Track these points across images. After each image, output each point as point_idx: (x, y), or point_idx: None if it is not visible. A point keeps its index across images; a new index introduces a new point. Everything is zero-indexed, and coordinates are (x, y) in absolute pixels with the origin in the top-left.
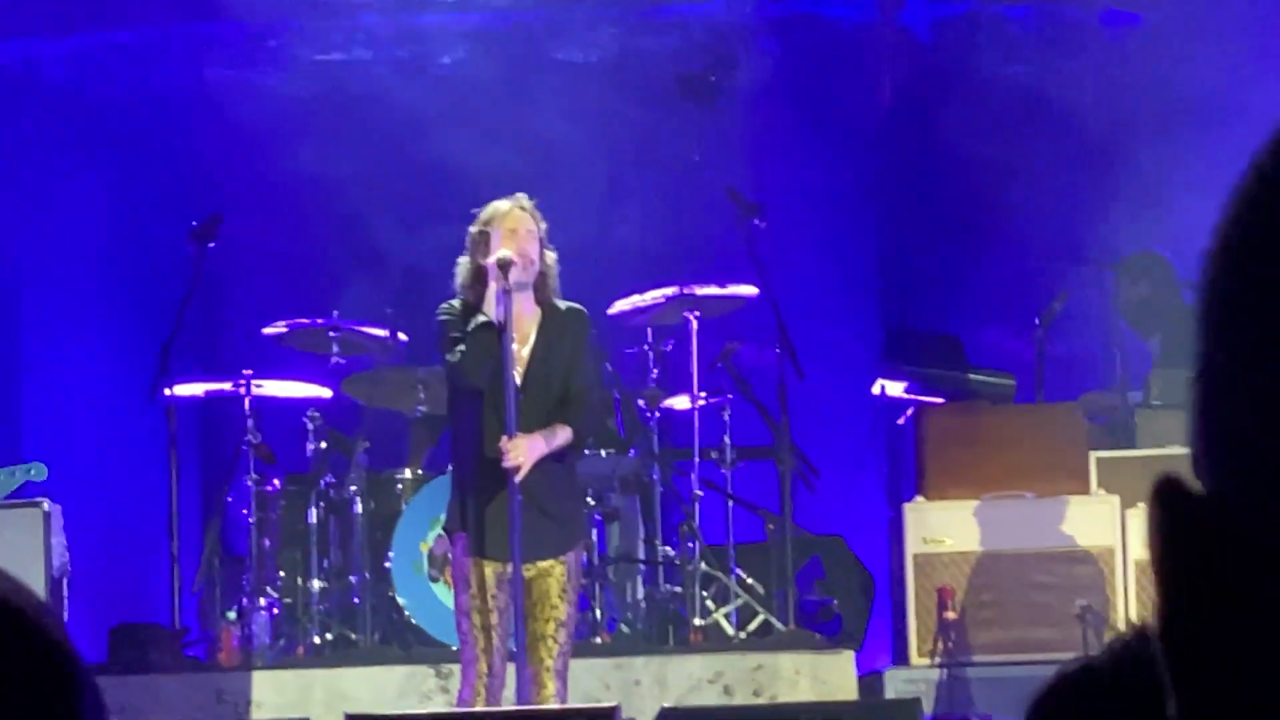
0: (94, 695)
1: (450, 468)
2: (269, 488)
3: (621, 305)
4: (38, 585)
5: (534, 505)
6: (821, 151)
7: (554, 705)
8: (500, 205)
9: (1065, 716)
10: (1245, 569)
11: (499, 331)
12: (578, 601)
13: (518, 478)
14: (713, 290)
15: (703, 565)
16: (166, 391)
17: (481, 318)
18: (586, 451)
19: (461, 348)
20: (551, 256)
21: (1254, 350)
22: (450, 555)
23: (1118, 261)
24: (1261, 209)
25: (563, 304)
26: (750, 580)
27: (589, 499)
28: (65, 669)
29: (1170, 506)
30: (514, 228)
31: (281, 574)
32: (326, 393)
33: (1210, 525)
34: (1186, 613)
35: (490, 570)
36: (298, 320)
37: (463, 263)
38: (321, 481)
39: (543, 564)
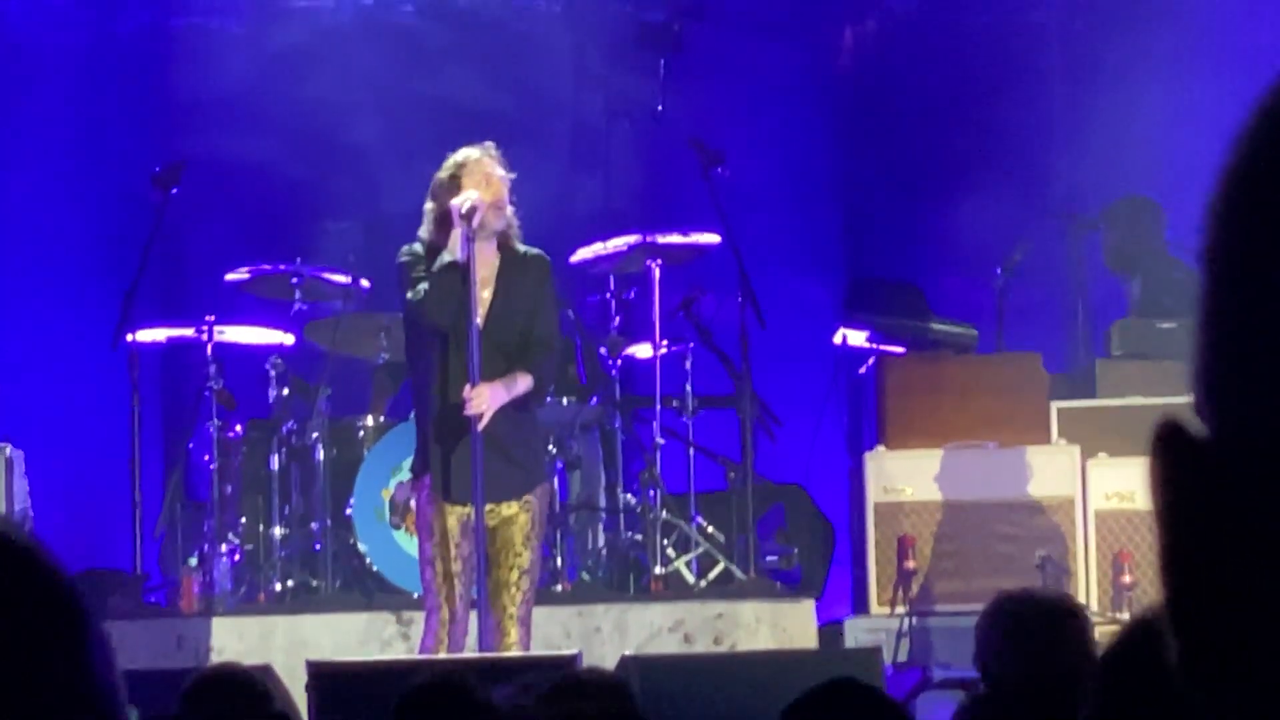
0: (103, 638)
1: (413, 412)
2: (231, 434)
3: (584, 253)
4: None
5: (494, 449)
6: (785, 101)
7: (516, 652)
8: (471, 152)
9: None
10: (1251, 512)
11: (464, 273)
12: (541, 549)
13: (480, 425)
14: (675, 239)
15: (664, 513)
16: (129, 337)
17: (447, 257)
18: (549, 399)
19: (424, 285)
20: (509, 207)
21: (1260, 289)
22: (414, 502)
23: (1107, 205)
24: (1267, 147)
25: (523, 248)
26: (711, 529)
27: (550, 446)
28: (76, 612)
29: (1173, 451)
30: (488, 173)
31: (243, 520)
32: (289, 339)
33: (1215, 469)
34: (1190, 558)
35: (454, 518)
36: (260, 266)
37: (428, 208)
38: (283, 428)
39: (506, 511)
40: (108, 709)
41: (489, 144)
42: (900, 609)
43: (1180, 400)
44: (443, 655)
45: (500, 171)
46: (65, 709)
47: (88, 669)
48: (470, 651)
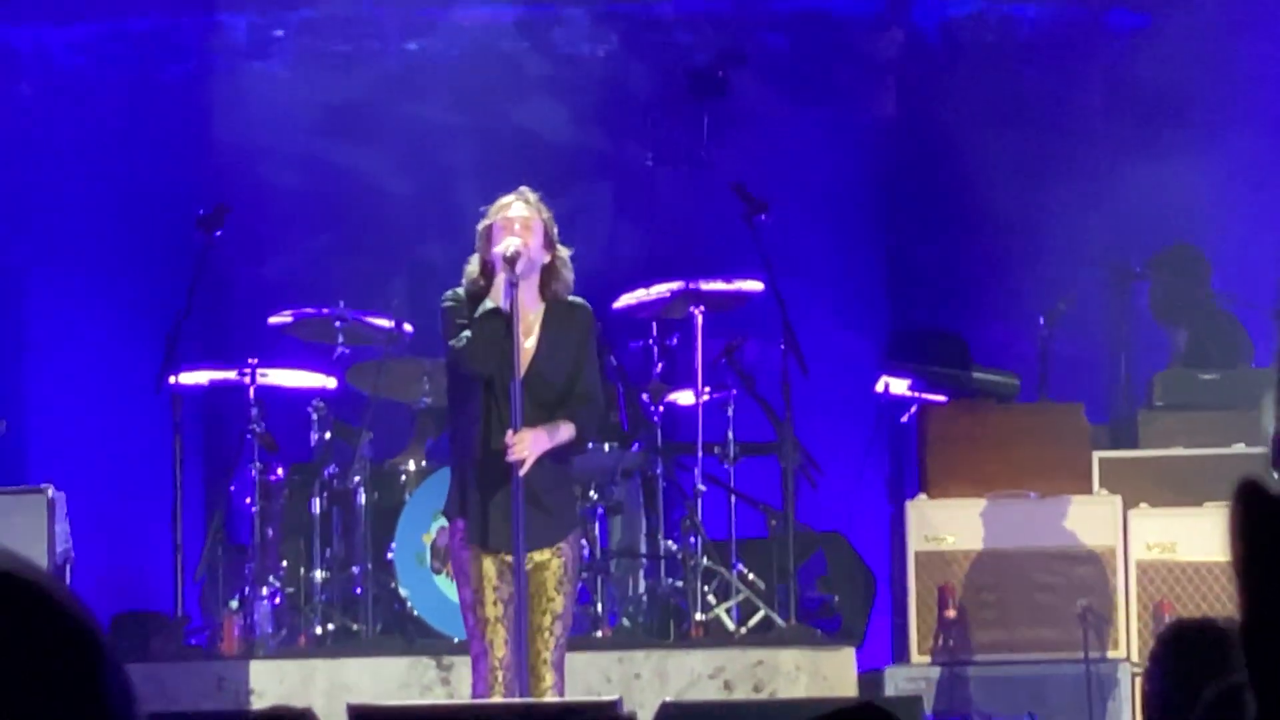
0: (120, 673)
1: (451, 456)
2: (273, 477)
3: (627, 299)
4: None
5: (529, 497)
6: (829, 148)
7: (552, 698)
8: (504, 199)
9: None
10: None
11: (506, 321)
12: (575, 595)
13: (522, 471)
14: (718, 285)
15: (704, 560)
16: (172, 380)
17: (489, 304)
18: (590, 445)
19: (467, 333)
20: (565, 252)
21: None
22: (446, 545)
23: (1154, 254)
24: None
25: (568, 299)
26: (752, 576)
27: (592, 492)
28: (92, 648)
29: (1252, 506)
30: (526, 218)
31: (284, 563)
32: (331, 383)
33: None
34: (1270, 609)
35: (490, 562)
36: (303, 310)
37: (472, 259)
38: (325, 471)
39: (539, 557)
40: None
41: (524, 189)
42: (941, 658)
43: (1222, 451)
44: (497, 699)
45: (530, 215)
46: None
47: (103, 705)
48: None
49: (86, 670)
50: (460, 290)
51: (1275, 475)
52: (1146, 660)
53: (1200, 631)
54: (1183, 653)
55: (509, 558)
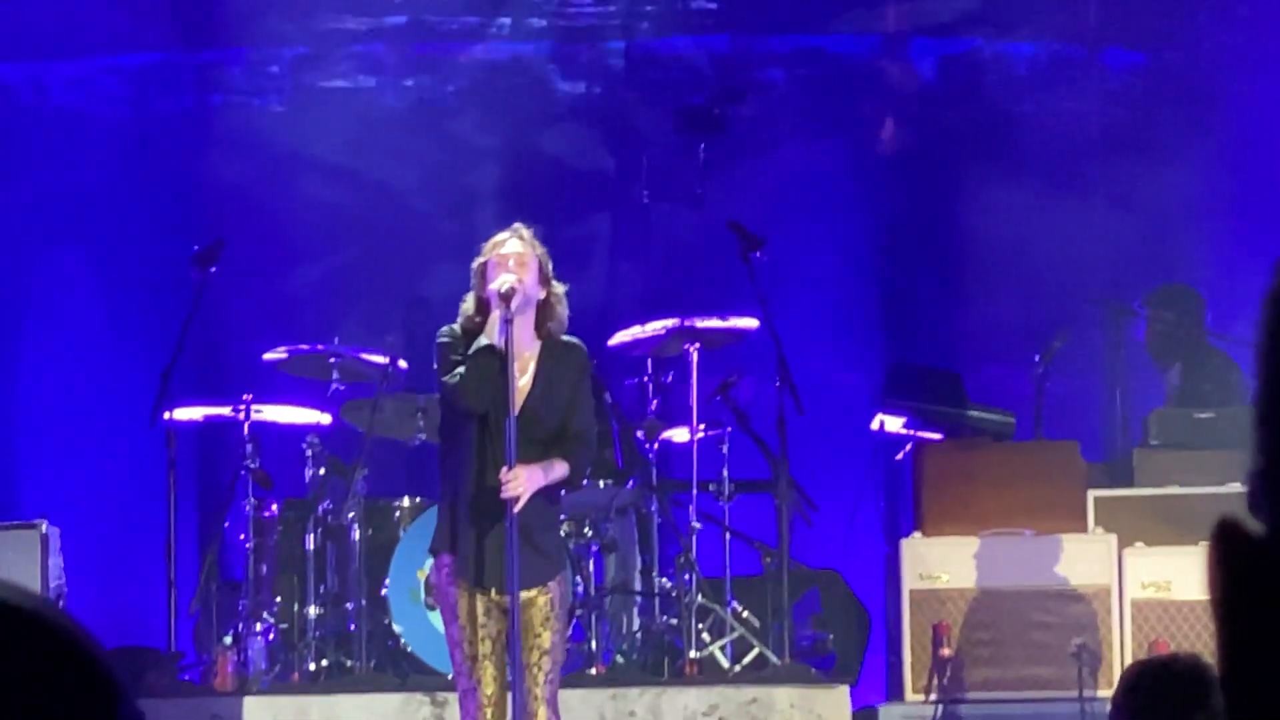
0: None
1: (441, 492)
2: (267, 513)
3: (622, 336)
4: None
5: (521, 535)
6: (824, 186)
7: None
8: (499, 236)
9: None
10: None
11: (501, 357)
12: (565, 631)
13: (516, 508)
14: (714, 323)
15: (699, 597)
16: (166, 415)
17: (484, 340)
18: (585, 482)
19: (461, 370)
20: (560, 288)
21: None
22: (433, 581)
23: (1150, 292)
24: None
25: (563, 338)
26: (746, 613)
27: (586, 529)
28: (105, 685)
29: (1231, 547)
30: (520, 254)
31: (278, 599)
32: (326, 419)
33: (1271, 564)
34: (1248, 651)
35: (478, 599)
36: (298, 346)
37: (468, 296)
38: (319, 507)
39: (526, 595)
40: None
41: (518, 225)
42: (935, 696)
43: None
44: None
45: (524, 251)
46: None
47: None
48: None
49: (102, 707)
50: (456, 327)
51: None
52: (1112, 702)
53: (1163, 670)
54: (1145, 692)
55: (497, 595)
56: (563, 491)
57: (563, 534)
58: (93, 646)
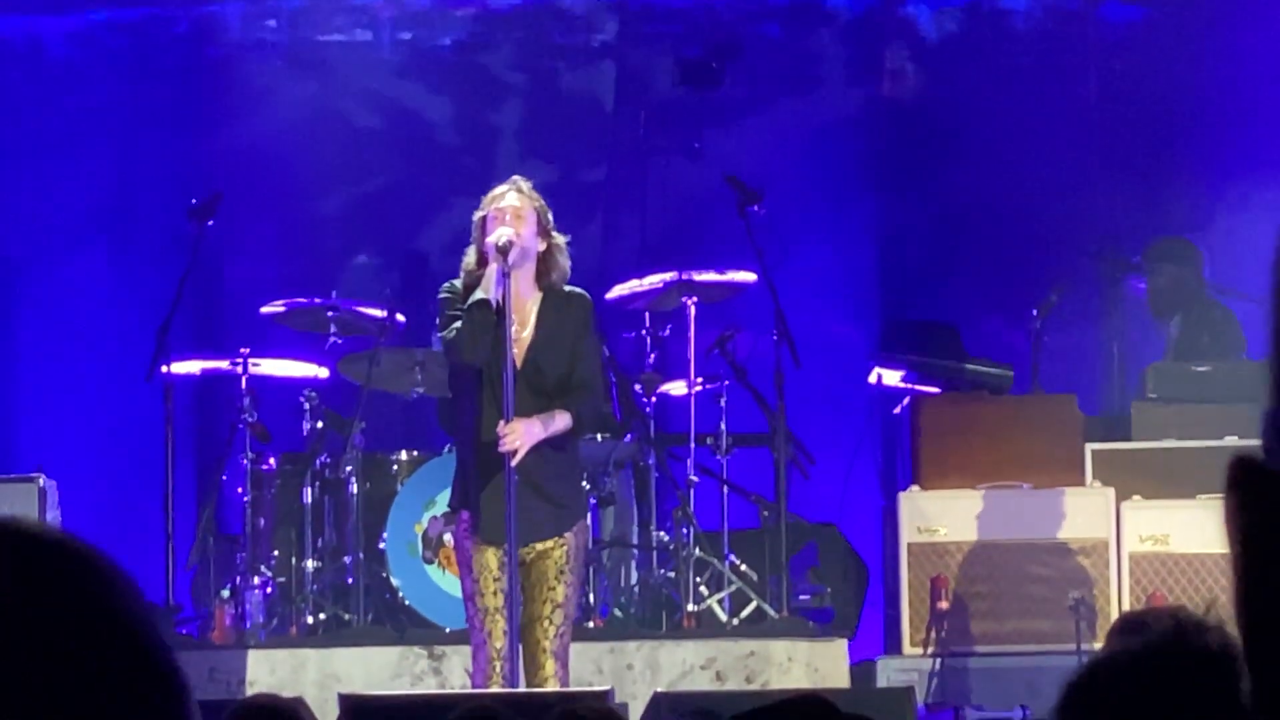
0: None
1: (451, 446)
2: (264, 467)
3: (620, 290)
4: None
5: (531, 487)
6: (822, 139)
7: (553, 686)
8: (497, 189)
9: (1099, 704)
10: None
11: (496, 311)
12: (579, 585)
13: (514, 462)
14: (711, 276)
15: (697, 551)
16: (164, 369)
17: (479, 294)
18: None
19: (457, 325)
20: (561, 240)
21: None
22: (448, 537)
23: (1148, 245)
24: None
25: (565, 288)
26: (744, 567)
27: (584, 483)
28: (172, 681)
29: (1249, 486)
30: (518, 207)
31: (276, 553)
32: (323, 373)
33: None
34: (1266, 588)
35: (491, 554)
36: (296, 300)
37: (469, 250)
38: (317, 461)
39: (541, 546)
40: None
41: (517, 178)
42: (933, 649)
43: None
44: (494, 688)
45: (522, 204)
46: None
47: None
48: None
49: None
50: (457, 282)
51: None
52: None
53: (1155, 621)
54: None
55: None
56: (573, 440)
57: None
58: (164, 645)
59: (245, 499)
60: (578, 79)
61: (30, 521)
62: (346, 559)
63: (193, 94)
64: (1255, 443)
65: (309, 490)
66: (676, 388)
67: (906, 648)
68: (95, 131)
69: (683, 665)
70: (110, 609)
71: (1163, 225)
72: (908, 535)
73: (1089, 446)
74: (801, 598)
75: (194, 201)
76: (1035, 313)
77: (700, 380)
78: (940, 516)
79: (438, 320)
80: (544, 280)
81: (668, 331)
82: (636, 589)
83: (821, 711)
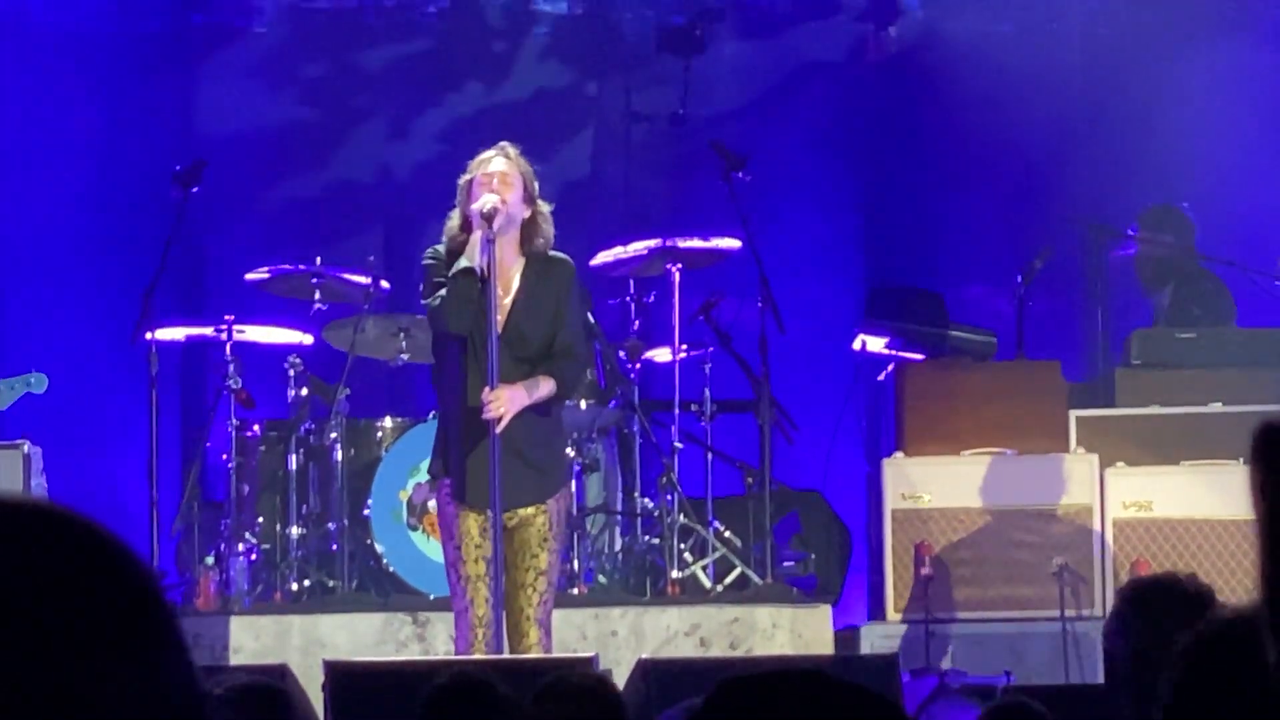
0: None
1: (435, 412)
2: (249, 433)
3: (604, 256)
4: None
5: (514, 453)
6: (806, 105)
7: (537, 654)
8: (484, 154)
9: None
10: None
11: (481, 278)
12: (561, 551)
13: (499, 429)
14: (695, 243)
15: (681, 518)
16: (148, 335)
17: (463, 262)
18: (567, 402)
19: (443, 292)
20: (545, 207)
21: None
22: (431, 503)
23: (1140, 214)
24: None
25: (548, 254)
26: (728, 533)
27: (569, 450)
28: (158, 611)
29: (1273, 453)
30: (504, 173)
31: (260, 520)
32: (308, 339)
33: None
34: None
35: (473, 520)
36: (280, 266)
37: (453, 214)
38: (301, 428)
39: (524, 513)
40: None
41: (504, 143)
42: (917, 616)
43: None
44: (478, 655)
45: (509, 170)
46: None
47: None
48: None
49: (154, 637)
50: (441, 248)
51: None
52: (1108, 619)
53: (1164, 587)
54: (1149, 606)
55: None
56: (557, 406)
57: (565, 449)
58: (150, 572)
59: (230, 465)
60: (559, 45)
61: (37, 500)
62: (331, 525)
63: (177, 59)
64: (1239, 410)
65: (293, 457)
66: (661, 354)
67: (890, 614)
68: (78, 97)
69: (667, 632)
70: (114, 576)
71: (1149, 191)
72: (891, 502)
73: (1073, 413)
74: (786, 564)
75: (178, 168)
76: (1019, 279)
77: (684, 347)
78: (924, 483)
79: (421, 287)
80: (527, 246)
81: (652, 298)
82: (621, 555)
83: (817, 684)
